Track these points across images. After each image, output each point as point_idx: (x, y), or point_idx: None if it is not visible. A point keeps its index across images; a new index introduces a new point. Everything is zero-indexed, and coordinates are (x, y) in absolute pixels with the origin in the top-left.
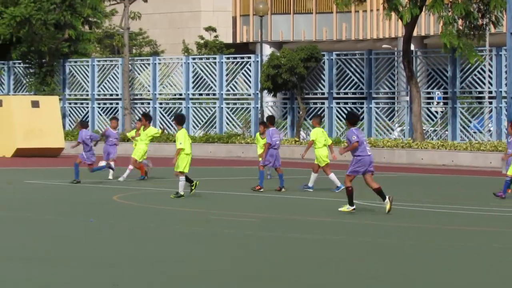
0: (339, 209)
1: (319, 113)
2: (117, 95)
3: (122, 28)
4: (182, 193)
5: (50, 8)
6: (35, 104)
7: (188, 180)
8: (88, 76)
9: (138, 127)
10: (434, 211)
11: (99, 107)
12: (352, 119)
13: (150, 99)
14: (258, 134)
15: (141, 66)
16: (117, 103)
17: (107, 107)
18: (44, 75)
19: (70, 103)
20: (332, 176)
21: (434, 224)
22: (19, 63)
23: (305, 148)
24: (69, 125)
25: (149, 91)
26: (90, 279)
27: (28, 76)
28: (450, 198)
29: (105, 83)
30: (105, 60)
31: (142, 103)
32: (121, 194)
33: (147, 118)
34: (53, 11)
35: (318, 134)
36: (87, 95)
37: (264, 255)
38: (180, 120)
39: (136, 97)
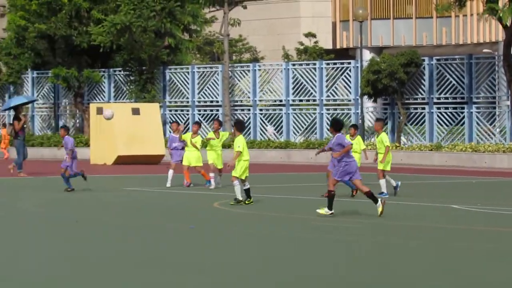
0: (317, 210)
1: (419, 118)
2: (217, 101)
3: (222, 35)
4: (240, 198)
5: (150, 15)
6: (136, 112)
7: (247, 194)
8: (188, 83)
9: (194, 130)
10: None
11: (199, 114)
12: (337, 126)
13: (250, 106)
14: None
15: (241, 72)
16: (217, 110)
17: (208, 114)
18: (144, 83)
19: (170, 110)
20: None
21: None
22: (120, 71)
23: (384, 156)
24: (170, 132)
25: (249, 97)
26: (197, 285)
27: (129, 84)
28: None
29: (205, 90)
30: (205, 67)
31: (242, 110)
32: (222, 201)
33: (220, 124)
34: (153, 19)
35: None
36: (188, 102)
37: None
38: (240, 126)
39: (236, 103)
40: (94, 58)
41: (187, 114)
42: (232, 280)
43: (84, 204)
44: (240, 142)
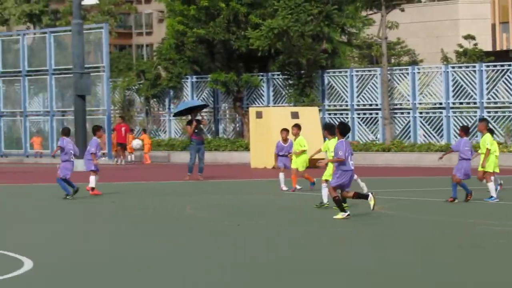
0: (334, 217)
1: None
2: (376, 105)
3: (380, 38)
4: (325, 201)
5: (307, 19)
6: (295, 115)
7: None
8: (347, 87)
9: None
10: None
11: (358, 117)
12: (344, 130)
13: (410, 109)
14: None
15: (399, 75)
16: (377, 113)
17: (367, 117)
18: (303, 86)
19: (329, 114)
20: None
21: None
22: (278, 75)
23: (484, 158)
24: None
25: (408, 100)
26: None
27: (287, 88)
28: None
29: (364, 93)
30: (364, 70)
31: (402, 113)
32: (388, 204)
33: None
34: (310, 23)
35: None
36: (347, 105)
37: None
38: (330, 131)
39: (395, 106)
40: (252, 62)
41: (347, 118)
42: None
43: (243, 210)
44: (332, 147)
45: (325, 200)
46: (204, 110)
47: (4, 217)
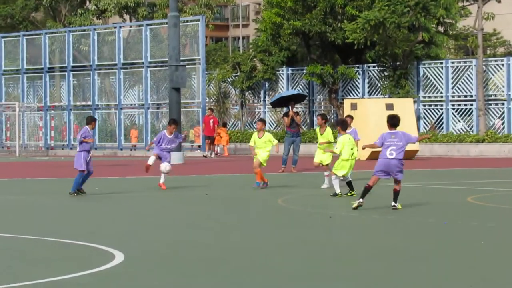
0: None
1: None
2: (471, 96)
3: (476, 29)
4: (338, 191)
5: (404, 11)
6: (389, 107)
7: (350, 187)
8: (442, 78)
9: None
10: None
11: (453, 109)
12: (392, 121)
13: (505, 100)
14: None
15: (495, 66)
16: (471, 104)
17: (461, 109)
18: (398, 78)
19: (424, 105)
20: None
21: None
22: (374, 66)
23: None
24: (424, 127)
25: (503, 91)
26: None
27: (383, 79)
28: None
29: (459, 85)
30: (459, 62)
31: (497, 104)
32: (476, 195)
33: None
34: (406, 14)
35: None
36: (441, 97)
37: None
38: (344, 126)
39: (490, 98)
40: (348, 54)
41: (441, 109)
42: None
43: (333, 201)
44: (339, 142)
45: (337, 190)
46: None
47: (105, 209)
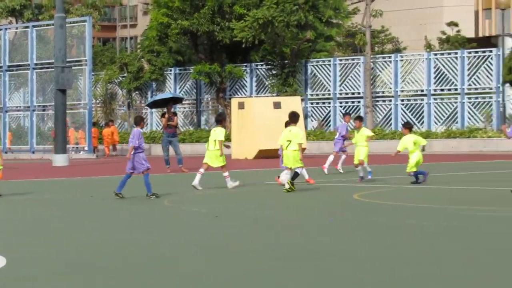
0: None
1: None
2: (358, 93)
3: (364, 26)
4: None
5: (292, 9)
6: (277, 105)
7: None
8: (330, 76)
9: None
10: None
11: (340, 106)
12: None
13: (392, 97)
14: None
15: (382, 63)
16: (359, 102)
17: (349, 106)
18: (286, 76)
19: (312, 103)
20: None
21: None
22: (261, 65)
23: None
24: (312, 126)
25: (390, 88)
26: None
27: (270, 78)
28: None
29: (347, 82)
30: (347, 59)
31: (384, 101)
32: (363, 192)
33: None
34: (295, 12)
35: None
36: (329, 94)
37: None
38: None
39: (377, 95)
40: (235, 53)
41: (329, 107)
42: None
43: (226, 198)
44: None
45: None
46: (187, 102)
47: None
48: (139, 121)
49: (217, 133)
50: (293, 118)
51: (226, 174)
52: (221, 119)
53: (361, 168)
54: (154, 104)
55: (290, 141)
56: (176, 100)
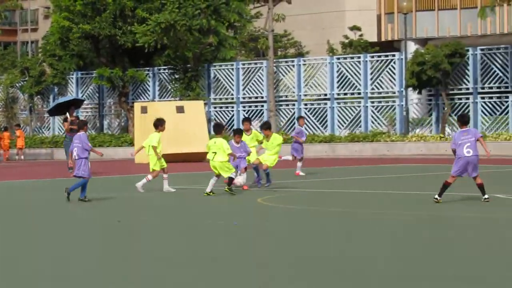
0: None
1: (463, 108)
2: (262, 97)
3: (267, 31)
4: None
5: (194, 13)
6: (180, 110)
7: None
8: (233, 80)
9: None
10: None
11: (244, 110)
12: (462, 120)
13: (295, 101)
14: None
15: (285, 68)
16: (262, 106)
17: (252, 110)
18: (189, 80)
19: (215, 107)
20: None
21: None
22: (164, 69)
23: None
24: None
25: (294, 92)
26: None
27: (173, 82)
28: None
29: (250, 86)
30: (250, 63)
31: (287, 105)
32: (267, 196)
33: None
34: (197, 17)
35: None
36: (232, 98)
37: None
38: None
39: (281, 99)
40: (138, 57)
41: (232, 111)
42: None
43: (130, 205)
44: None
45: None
46: (90, 106)
47: None
48: (83, 125)
49: (150, 138)
50: (217, 129)
51: (165, 176)
52: (158, 124)
53: (263, 172)
54: (55, 111)
55: (215, 152)
56: (77, 103)
